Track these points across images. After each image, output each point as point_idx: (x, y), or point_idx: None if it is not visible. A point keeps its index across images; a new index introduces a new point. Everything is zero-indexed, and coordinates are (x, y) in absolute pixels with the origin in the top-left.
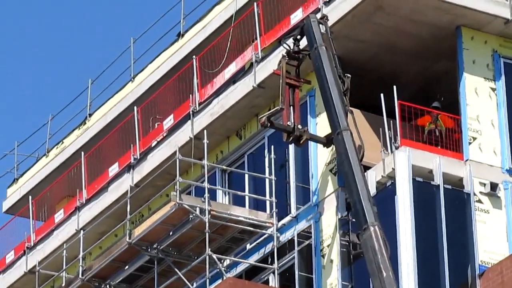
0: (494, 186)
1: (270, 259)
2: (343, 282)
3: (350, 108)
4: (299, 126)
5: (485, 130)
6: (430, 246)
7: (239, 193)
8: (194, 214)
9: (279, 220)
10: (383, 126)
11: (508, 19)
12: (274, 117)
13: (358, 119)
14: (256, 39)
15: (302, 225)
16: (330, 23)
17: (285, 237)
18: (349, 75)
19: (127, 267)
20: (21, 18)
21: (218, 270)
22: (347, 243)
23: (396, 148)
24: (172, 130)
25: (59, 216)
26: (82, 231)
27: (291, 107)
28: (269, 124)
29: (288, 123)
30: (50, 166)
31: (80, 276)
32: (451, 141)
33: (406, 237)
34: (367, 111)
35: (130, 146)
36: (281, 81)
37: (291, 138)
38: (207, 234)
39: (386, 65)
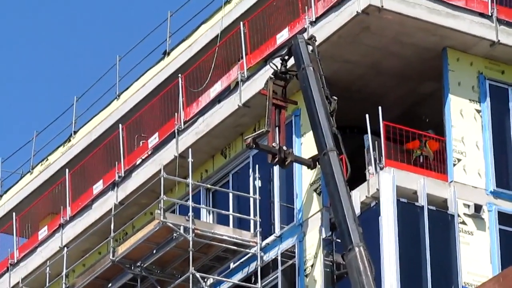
0: (478, 208)
1: (253, 278)
2: None
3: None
4: (284, 148)
5: (470, 152)
6: (414, 267)
7: (223, 212)
8: (178, 233)
9: (263, 240)
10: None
11: (494, 41)
12: (259, 138)
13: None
14: (242, 58)
15: (286, 244)
16: (316, 43)
17: (268, 256)
18: (335, 97)
19: (110, 284)
20: (5, 35)
21: None
22: (331, 263)
23: (381, 168)
24: (157, 148)
25: (43, 233)
26: (65, 248)
27: (277, 128)
28: (254, 146)
29: (273, 144)
30: (35, 183)
31: None
32: (436, 163)
33: (390, 258)
34: (352, 131)
35: (115, 163)
36: (267, 102)
37: (276, 160)
38: (191, 252)
39: (372, 86)
